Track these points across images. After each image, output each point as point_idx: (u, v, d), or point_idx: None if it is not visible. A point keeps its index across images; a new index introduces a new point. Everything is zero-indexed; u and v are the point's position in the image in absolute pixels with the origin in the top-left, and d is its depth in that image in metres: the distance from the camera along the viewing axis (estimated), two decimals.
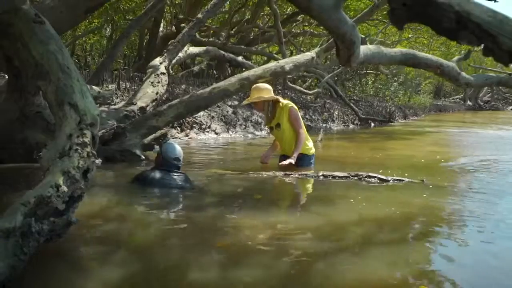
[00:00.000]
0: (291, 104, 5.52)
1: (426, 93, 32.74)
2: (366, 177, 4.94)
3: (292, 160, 5.22)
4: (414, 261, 2.67)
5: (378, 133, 12.47)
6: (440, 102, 36.27)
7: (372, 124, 15.34)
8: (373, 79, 23.44)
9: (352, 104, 15.12)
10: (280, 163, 5.33)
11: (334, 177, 4.98)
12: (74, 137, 2.89)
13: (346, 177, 4.97)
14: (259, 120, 11.24)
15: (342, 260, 2.62)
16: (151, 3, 8.43)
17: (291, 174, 5.04)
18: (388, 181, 4.86)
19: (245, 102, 5.73)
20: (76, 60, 18.61)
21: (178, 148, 4.43)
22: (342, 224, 3.32)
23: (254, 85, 5.62)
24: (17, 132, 4.78)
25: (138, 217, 3.37)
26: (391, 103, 21.11)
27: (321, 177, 4.98)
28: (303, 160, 5.48)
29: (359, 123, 14.96)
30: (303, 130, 5.47)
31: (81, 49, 19.15)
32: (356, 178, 4.94)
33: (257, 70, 6.73)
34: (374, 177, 4.92)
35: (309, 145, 5.58)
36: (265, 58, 18.43)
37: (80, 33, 16.44)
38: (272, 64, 6.91)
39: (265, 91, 5.42)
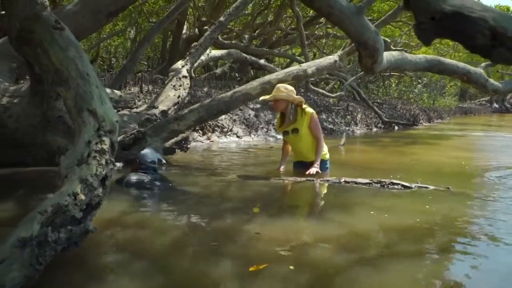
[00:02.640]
0: (313, 110, 5.43)
1: (451, 96, 32.26)
2: (389, 184, 4.84)
3: (318, 169, 5.16)
4: (437, 275, 2.58)
5: (401, 137, 12.29)
6: (466, 104, 35.74)
7: (396, 128, 15.14)
8: (396, 81, 23.16)
9: (375, 107, 14.95)
10: (307, 173, 5.14)
11: (356, 183, 4.89)
12: (93, 144, 2.87)
13: (368, 183, 4.88)
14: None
15: (363, 273, 2.55)
16: (173, 6, 8.43)
17: (313, 180, 4.98)
18: (412, 188, 4.75)
19: (266, 97, 5.51)
20: (101, 62, 18.87)
21: (154, 152, 4.89)
22: (363, 234, 3.23)
23: (278, 85, 5.46)
24: (39, 136, 4.81)
25: (157, 224, 3.34)
26: (415, 106, 20.82)
27: (343, 183, 4.90)
28: (322, 166, 5.40)
29: (383, 126, 14.78)
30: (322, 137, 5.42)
31: (105, 51, 19.34)
32: (379, 185, 4.84)
33: (279, 74, 6.66)
34: (398, 184, 4.81)
35: (324, 150, 5.50)
36: (288, 60, 18.39)
37: (104, 36, 16.60)
38: (294, 68, 6.83)
39: (291, 91, 5.31)
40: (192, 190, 4.63)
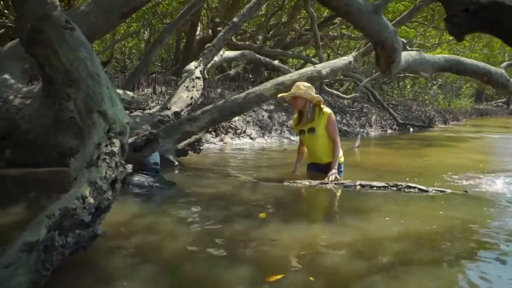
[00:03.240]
0: (330, 111, 5.31)
1: (467, 97, 31.89)
2: (405, 187, 4.73)
3: (336, 174, 5.04)
4: (456, 285, 2.48)
5: (417, 139, 12.13)
6: (482, 106, 35.32)
7: (411, 129, 14.97)
8: (411, 82, 22.92)
9: (390, 109, 14.79)
10: (326, 180, 5.01)
11: (371, 187, 4.79)
12: (103, 146, 2.82)
13: (384, 187, 4.77)
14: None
15: (379, 282, 2.45)
16: (186, 7, 8.39)
17: (327, 184, 4.89)
18: (429, 192, 4.64)
19: (285, 94, 5.34)
20: (115, 63, 18.93)
21: (157, 154, 4.92)
22: (380, 240, 3.14)
23: (297, 83, 5.35)
24: (51, 137, 4.79)
25: (167, 228, 3.28)
26: (431, 108, 20.59)
27: (358, 187, 4.80)
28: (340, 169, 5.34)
29: (398, 128, 14.62)
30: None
31: (119, 53, 19.41)
32: (394, 188, 4.73)
33: (293, 75, 6.59)
34: (414, 187, 4.70)
35: (340, 153, 5.36)
36: (302, 61, 18.29)
37: (119, 37, 16.65)
38: (308, 69, 6.75)
39: (310, 89, 5.20)
40: (203, 192, 4.56)
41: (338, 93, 11.43)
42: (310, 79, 6.62)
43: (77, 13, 4.87)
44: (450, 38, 20.25)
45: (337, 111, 13.71)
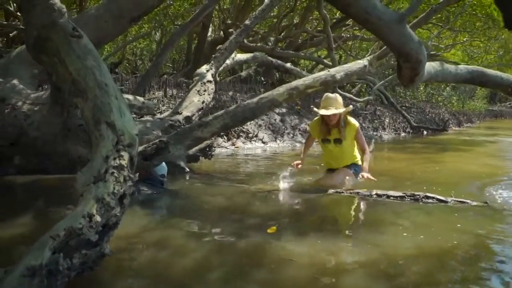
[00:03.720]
0: (356, 121, 5.36)
1: (480, 98, 31.50)
2: (423, 197, 4.57)
3: (368, 175, 5.04)
4: None
5: (431, 143, 11.92)
6: (496, 107, 34.87)
7: (425, 132, 14.75)
8: (424, 84, 22.63)
9: (403, 111, 14.58)
10: (363, 176, 5.06)
11: (388, 196, 4.63)
12: (111, 159, 2.70)
13: (401, 197, 4.61)
14: (308, 128, 10.92)
15: None
16: (198, 10, 8.27)
17: (342, 193, 4.74)
18: (448, 202, 4.47)
19: (326, 112, 5.10)
20: (127, 64, 18.90)
21: (165, 166, 4.90)
22: (400, 258, 2.98)
23: (330, 95, 5.29)
24: (59, 145, 4.69)
25: (178, 244, 3.15)
26: (444, 110, 20.32)
27: (374, 196, 4.65)
28: (352, 168, 5.38)
29: (411, 131, 14.39)
30: None
31: (131, 54, 19.38)
32: (412, 199, 4.57)
33: (306, 80, 6.42)
34: (432, 198, 4.54)
35: (357, 156, 5.42)
36: (313, 62, 18.11)
37: (130, 38, 16.61)
38: (322, 73, 6.58)
39: (341, 103, 5.23)
40: (215, 202, 4.44)
41: (351, 96, 11.25)
42: (324, 83, 6.46)
43: (86, 17, 4.77)
44: (464, 39, 19.96)
45: (349, 113, 13.53)
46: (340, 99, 5.21)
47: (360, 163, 5.35)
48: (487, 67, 10.23)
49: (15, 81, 5.11)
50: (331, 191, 4.78)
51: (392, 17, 2.71)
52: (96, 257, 2.37)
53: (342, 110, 5.11)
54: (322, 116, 5.21)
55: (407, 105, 17.65)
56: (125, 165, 2.73)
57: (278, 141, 9.88)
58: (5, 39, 12.71)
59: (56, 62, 3.02)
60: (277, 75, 16.00)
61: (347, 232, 3.59)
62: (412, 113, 16.40)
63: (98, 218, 2.39)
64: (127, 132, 2.84)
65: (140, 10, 5.01)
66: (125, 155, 2.77)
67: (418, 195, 4.60)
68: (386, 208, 4.40)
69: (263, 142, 9.50)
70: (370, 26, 2.77)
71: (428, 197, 4.56)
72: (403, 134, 14.11)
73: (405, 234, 3.49)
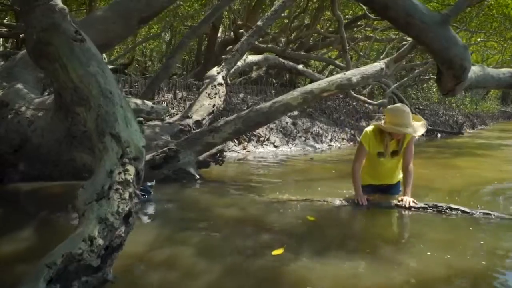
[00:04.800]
0: None
1: (493, 99, 31.02)
2: (446, 209, 4.30)
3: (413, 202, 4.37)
4: None
5: (446, 147, 11.61)
6: (509, 108, 34.37)
7: (439, 135, 14.44)
8: (435, 84, 22.23)
9: (418, 114, 14.25)
10: (402, 200, 4.38)
11: (409, 208, 4.36)
12: (115, 174, 2.47)
13: (423, 208, 4.35)
14: (320, 131, 10.68)
15: None
16: (209, 11, 8.04)
17: (360, 204, 4.47)
18: (474, 214, 4.21)
19: (414, 133, 4.41)
20: (136, 65, 18.77)
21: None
22: (427, 281, 2.73)
23: (405, 108, 4.43)
24: (64, 152, 4.48)
25: (188, 263, 2.92)
26: (458, 111, 19.95)
27: (395, 207, 4.39)
28: (396, 188, 4.82)
29: (425, 134, 14.06)
30: None
31: (141, 55, 19.26)
32: (435, 210, 4.31)
33: (321, 83, 6.20)
34: (457, 209, 4.27)
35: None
36: (324, 64, 17.83)
37: (140, 39, 16.49)
38: (338, 76, 6.36)
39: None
40: (226, 215, 4.19)
41: (366, 99, 10.93)
42: (339, 87, 6.25)
43: (93, 19, 4.58)
44: (479, 39, 19.51)
45: (362, 116, 13.28)
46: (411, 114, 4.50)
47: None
48: (502, 68, 9.91)
49: (19, 85, 4.92)
50: (345, 202, 4.53)
51: (435, 19, 2.42)
52: (98, 283, 2.15)
53: (422, 131, 4.52)
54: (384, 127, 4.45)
55: (420, 107, 17.32)
56: (131, 180, 2.51)
57: (290, 145, 9.64)
58: (15, 40, 12.61)
59: (57, 68, 2.80)
60: (287, 76, 15.75)
61: (368, 250, 3.33)
62: (426, 115, 16.07)
63: (100, 241, 2.17)
64: (133, 144, 2.61)
65: (150, 11, 4.79)
66: (131, 169, 2.55)
67: (441, 206, 4.33)
68: (407, 221, 4.15)
69: (275, 146, 9.26)
70: (412, 30, 2.47)
71: (451, 209, 4.29)
72: (416, 137, 13.75)
73: (429, 253, 3.22)
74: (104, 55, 15.22)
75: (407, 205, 4.32)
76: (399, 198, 4.45)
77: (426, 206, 4.38)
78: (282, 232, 3.63)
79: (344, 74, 6.38)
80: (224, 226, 3.77)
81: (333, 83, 6.13)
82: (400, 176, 4.72)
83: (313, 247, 3.28)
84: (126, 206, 2.41)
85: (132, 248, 2.87)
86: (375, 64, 6.80)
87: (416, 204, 4.35)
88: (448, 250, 3.25)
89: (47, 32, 2.83)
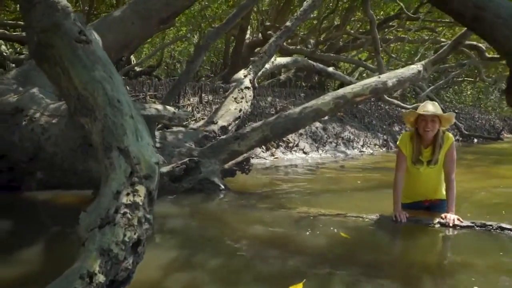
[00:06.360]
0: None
1: None
2: (496, 228, 3.85)
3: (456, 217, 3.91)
4: None
5: (485, 153, 11.02)
6: None
7: (475, 140, 13.83)
8: (468, 86, 21.43)
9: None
10: (448, 223, 3.87)
11: (454, 227, 3.92)
12: (122, 196, 2.15)
13: (469, 227, 3.90)
14: (351, 136, 10.25)
15: None
16: (234, 11, 7.71)
17: (399, 221, 4.04)
18: None
19: (426, 113, 3.91)
20: (165, 67, 18.67)
21: None
22: None
23: (429, 101, 4.13)
24: (79, 161, 4.20)
25: None
26: (494, 115, 19.20)
27: (437, 226, 3.95)
28: (442, 206, 4.18)
29: (461, 139, 13.48)
30: None
31: (169, 56, 19.19)
32: (483, 229, 3.86)
33: (354, 87, 5.81)
34: (509, 229, 3.82)
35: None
36: (353, 66, 17.39)
37: (168, 41, 16.42)
38: (372, 80, 5.96)
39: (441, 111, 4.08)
40: (252, 233, 3.83)
41: (399, 102, 10.49)
42: (374, 91, 5.85)
43: (110, 20, 4.30)
44: None
45: (395, 120, 12.79)
46: (439, 107, 4.08)
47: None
48: None
49: (34, 90, 4.69)
50: (377, 216, 4.12)
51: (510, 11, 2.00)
52: None
53: (450, 114, 4.05)
54: (416, 129, 4.03)
55: (455, 110, 16.67)
56: (141, 203, 2.17)
57: (320, 151, 9.24)
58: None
59: (59, 72, 2.48)
60: (316, 79, 15.35)
61: (413, 280, 2.92)
62: (461, 119, 15.45)
63: (101, 277, 1.85)
64: (144, 160, 2.27)
65: (170, 11, 4.51)
66: (141, 189, 2.21)
67: (491, 225, 3.87)
68: (452, 243, 3.71)
69: (304, 153, 8.88)
70: (480, 26, 2.04)
71: (503, 228, 3.83)
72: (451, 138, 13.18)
73: (488, 275, 2.80)
74: (132, 56, 15.15)
75: (451, 224, 3.87)
76: (442, 215, 4.01)
77: (473, 225, 3.92)
78: (310, 255, 3.25)
79: (379, 77, 5.98)
80: (248, 247, 3.41)
81: (367, 87, 5.74)
82: (444, 192, 4.24)
83: (341, 278, 2.88)
84: (135, 234, 2.08)
85: (145, 273, 2.52)
86: (412, 66, 6.37)
87: (462, 222, 3.91)
88: (504, 279, 2.83)
89: (48, 33, 2.52)
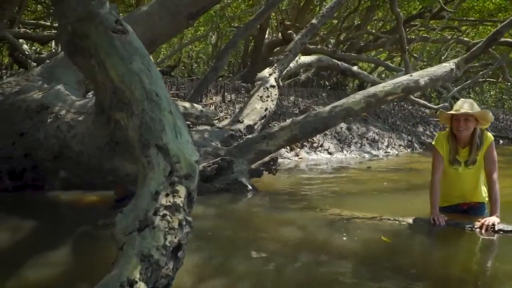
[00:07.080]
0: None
1: None
2: None
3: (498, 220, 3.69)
4: None
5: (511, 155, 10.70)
6: None
7: (501, 141, 13.51)
8: (489, 87, 21.03)
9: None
10: (486, 228, 3.64)
11: (505, 231, 3.67)
12: (162, 197, 2.00)
13: None
14: (376, 137, 10.03)
15: None
16: (259, 11, 7.56)
17: (437, 224, 3.83)
18: None
19: (459, 113, 3.78)
20: (183, 67, 18.59)
21: None
22: None
23: (465, 99, 3.99)
24: (106, 160, 4.06)
25: None
26: None
27: (478, 230, 3.72)
28: (481, 210, 4.04)
29: None
30: None
31: (187, 57, 19.11)
32: None
33: (385, 85, 5.62)
34: None
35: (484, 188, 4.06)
36: (372, 65, 17.16)
37: (186, 41, 16.33)
38: (403, 78, 5.76)
39: (478, 109, 3.88)
40: (285, 234, 3.67)
41: (425, 102, 10.23)
42: (406, 90, 5.65)
43: (137, 15, 4.18)
44: None
45: (419, 121, 12.54)
46: (476, 105, 3.90)
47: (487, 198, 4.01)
48: None
49: (60, 87, 4.58)
50: (419, 221, 3.92)
51: None
52: None
53: (487, 111, 3.86)
54: (451, 128, 3.90)
55: None
56: (181, 204, 2.02)
57: (344, 152, 9.06)
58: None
59: (93, 65, 2.35)
60: (334, 79, 15.12)
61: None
62: None
63: (142, 286, 1.70)
64: (184, 158, 2.12)
65: (199, 5, 4.37)
66: (181, 190, 2.06)
67: None
68: (495, 249, 3.50)
69: (329, 153, 8.71)
70: None
71: None
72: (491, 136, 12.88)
73: None
74: (150, 56, 15.05)
75: (495, 228, 3.67)
76: (484, 219, 3.80)
77: None
78: (349, 261, 3.07)
79: (411, 75, 5.78)
80: (280, 251, 3.23)
81: (398, 86, 5.55)
82: (485, 195, 4.02)
83: (394, 280, 2.71)
84: (175, 237, 1.93)
85: (175, 278, 2.38)
86: (444, 64, 6.15)
87: (507, 226, 3.70)
88: None
89: (83, 22, 2.38)
